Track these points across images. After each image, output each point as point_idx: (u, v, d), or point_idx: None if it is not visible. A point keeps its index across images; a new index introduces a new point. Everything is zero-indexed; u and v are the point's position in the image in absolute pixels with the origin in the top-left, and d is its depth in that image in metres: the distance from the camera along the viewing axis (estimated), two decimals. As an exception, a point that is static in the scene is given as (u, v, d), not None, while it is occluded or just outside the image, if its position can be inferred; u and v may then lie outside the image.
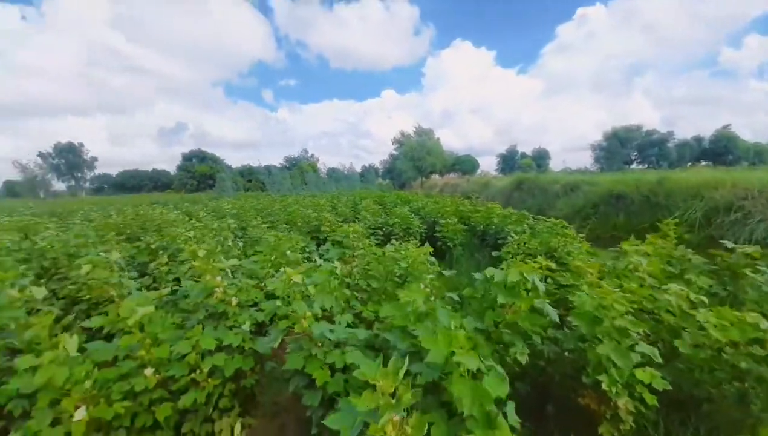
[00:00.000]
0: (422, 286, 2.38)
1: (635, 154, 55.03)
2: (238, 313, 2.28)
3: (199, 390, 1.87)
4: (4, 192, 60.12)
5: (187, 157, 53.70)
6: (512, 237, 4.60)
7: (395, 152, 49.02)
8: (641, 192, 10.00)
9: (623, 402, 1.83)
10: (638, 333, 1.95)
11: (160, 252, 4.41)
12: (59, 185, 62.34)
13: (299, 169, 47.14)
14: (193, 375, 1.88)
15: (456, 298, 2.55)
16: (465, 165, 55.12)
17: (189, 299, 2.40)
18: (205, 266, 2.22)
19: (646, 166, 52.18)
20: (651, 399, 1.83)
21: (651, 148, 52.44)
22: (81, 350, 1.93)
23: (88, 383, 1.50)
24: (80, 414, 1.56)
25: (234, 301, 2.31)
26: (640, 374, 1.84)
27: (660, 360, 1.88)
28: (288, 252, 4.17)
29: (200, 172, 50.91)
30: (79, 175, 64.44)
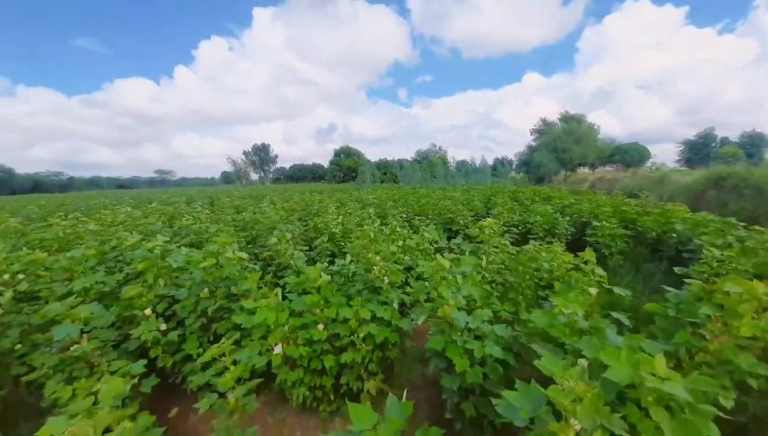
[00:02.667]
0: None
1: None
2: (389, 291, 2.57)
3: (356, 351, 2.22)
4: (221, 180, 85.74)
5: (337, 153, 62.66)
6: (708, 251, 3.51)
7: (533, 143, 43.73)
8: None
9: None
10: None
11: (323, 232, 5.34)
12: (254, 176, 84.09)
13: (429, 162, 48.22)
14: (352, 337, 2.23)
15: (621, 317, 2.14)
16: (629, 155, 44.71)
17: (345, 272, 2.86)
18: (368, 245, 2.58)
19: None
20: None
21: None
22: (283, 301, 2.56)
23: (286, 327, 1.99)
24: (278, 349, 2.08)
25: (386, 280, 2.62)
26: None
27: None
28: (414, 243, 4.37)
29: (346, 166, 58.50)
30: (266, 168, 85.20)
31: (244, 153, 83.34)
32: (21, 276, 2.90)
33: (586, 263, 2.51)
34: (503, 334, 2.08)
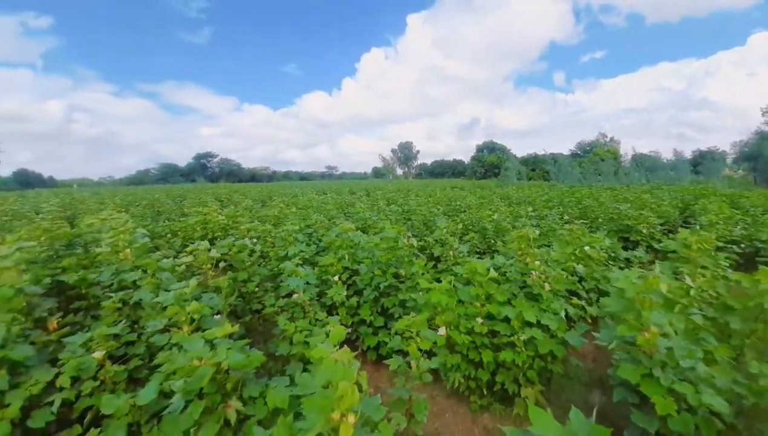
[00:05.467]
0: None
1: None
2: (550, 299, 2.38)
3: (516, 353, 2.16)
4: (372, 174, 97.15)
5: (479, 149, 60.74)
6: None
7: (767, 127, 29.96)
8: None
9: None
10: None
11: (470, 228, 5.34)
12: (399, 171, 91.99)
13: (593, 156, 40.63)
14: (512, 338, 2.19)
15: None
16: None
17: (503, 272, 2.78)
18: (525, 248, 2.46)
19: None
20: None
21: None
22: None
23: (455, 313, 2.13)
24: (442, 331, 2.25)
25: (547, 287, 2.43)
26: None
27: None
28: (587, 248, 3.82)
29: (489, 162, 55.94)
30: (409, 163, 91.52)
31: (392, 150, 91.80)
32: (255, 240, 4.08)
33: None
34: (724, 385, 1.62)
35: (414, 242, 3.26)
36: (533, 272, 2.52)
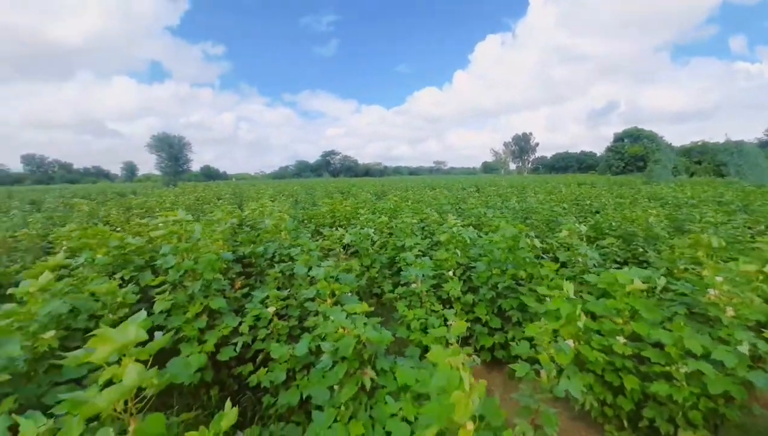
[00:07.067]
0: None
1: None
2: (733, 326, 1.87)
3: (673, 387, 1.79)
4: (481, 169, 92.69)
5: (619, 138, 50.72)
6: None
7: None
8: None
9: None
10: None
11: (607, 232, 4.59)
12: (512, 166, 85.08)
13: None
14: (668, 368, 1.82)
15: None
16: None
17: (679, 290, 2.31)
18: (702, 258, 1.99)
19: None
20: None
21: None
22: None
23: (580, 324, 1.90)
24: (570, 344, 2.03)
25: (729, 311, 1.91)
26: None
27: None
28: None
29: (631, 153, 46.33)
30: (525, 157, 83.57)
31: (504, 143, 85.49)
32: (372, 230, 4.43)
33: None
34: None
35: (537, 243, 3.01)
36: (711, 291, 2.02)
